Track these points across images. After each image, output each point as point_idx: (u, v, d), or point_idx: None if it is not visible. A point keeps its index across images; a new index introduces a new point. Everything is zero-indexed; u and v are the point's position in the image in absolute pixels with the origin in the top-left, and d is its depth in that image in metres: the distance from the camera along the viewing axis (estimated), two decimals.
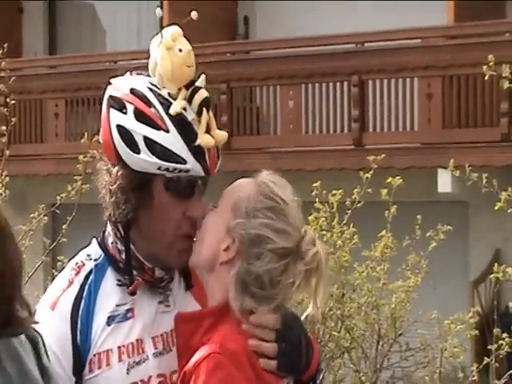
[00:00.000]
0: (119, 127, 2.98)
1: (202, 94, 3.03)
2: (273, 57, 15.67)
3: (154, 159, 2.94)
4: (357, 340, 5.97)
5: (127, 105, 3.01)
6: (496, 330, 5.80)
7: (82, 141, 7.28)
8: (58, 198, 6.41)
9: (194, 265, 3.10)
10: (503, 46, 12.35)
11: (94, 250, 3.16)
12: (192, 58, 3.04)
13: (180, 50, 3.02)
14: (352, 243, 5.99)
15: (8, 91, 7.48)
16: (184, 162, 2.95)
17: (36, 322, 2.25)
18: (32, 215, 7.30)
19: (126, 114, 3.01)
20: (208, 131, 3.00)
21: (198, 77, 3.08)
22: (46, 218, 7.22)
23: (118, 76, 3.10)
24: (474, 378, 5.87)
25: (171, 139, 2.96)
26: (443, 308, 6.14)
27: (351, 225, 5.85)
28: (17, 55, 13.97)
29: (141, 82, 3.06)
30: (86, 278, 3.07)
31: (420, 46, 14.50)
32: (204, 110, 3.00)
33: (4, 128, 7.09)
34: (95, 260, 3.13)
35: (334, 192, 5.83)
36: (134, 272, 3.06)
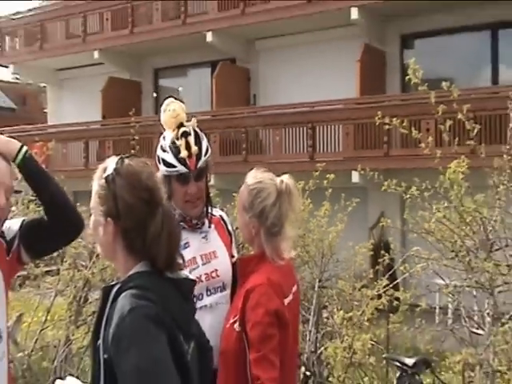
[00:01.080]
0: (156, 156, 3.11)
1: (182, 129, 3.07)
2: (268, 114, 15.59)
3: (164, 168, 3.07)
4: (312, 257, 5.91)
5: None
6: (382, 252, 5.78)
7: None
8: None
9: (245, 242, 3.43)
10: (387, 107, 12.34)
11: None
12: (176, 112, 3.10)
13: (169, 110, 3.11)
14: (309, 207, 5.93)
15: (134, 133, 7.52)
16: (175, 166, 3.05)
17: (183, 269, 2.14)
18: None
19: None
20: (188, 148, 3.05)
21: (190, 121, 3.15)
22: None
23: None
24: (371, 275, 5.84)
25: (169, 156, 3.06)
26: (356, 241, 6.10)
27: (308, 199, 5.76)
28: (138, 115, 13.67)
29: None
30: None
31: (343, 108, 14.40)
32: (182, 137, 3.06)
33: (133, 151, 7.18)
34: None
35: (299, 182, 5.75)
36: (183, 223, 3.09)
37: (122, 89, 18.56)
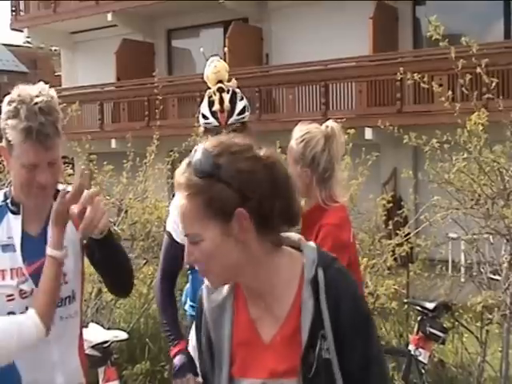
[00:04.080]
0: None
1: (218, 85, 3.10)
2: (281, 73, 15.51)
3: (201, 119, 3.10)
4: None
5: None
6: (402, 203, 5.82)
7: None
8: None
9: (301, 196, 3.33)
10: (399, 64, 12.13)
11: None
12: (216, 68, 3.15)
13: (211, 66, 3.18)
14: None
15: (157, 93, 7.54)
16: (208, 118, 3.07)
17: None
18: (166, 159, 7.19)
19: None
20: (221, 103, 3.06)
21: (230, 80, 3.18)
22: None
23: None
24: (390, 227, 5.85)
25: (204, 108, 3.09)
26: (373, 193, 6.16)
27: None
28: (152, 76, 13.47)
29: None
30: None
31: (356, 66, 14.27)
32: (218, 92, 3.09)
33: (157, 110, 7.19)
34: None
35: None
36: None
37: (136, 50, 18.51)
